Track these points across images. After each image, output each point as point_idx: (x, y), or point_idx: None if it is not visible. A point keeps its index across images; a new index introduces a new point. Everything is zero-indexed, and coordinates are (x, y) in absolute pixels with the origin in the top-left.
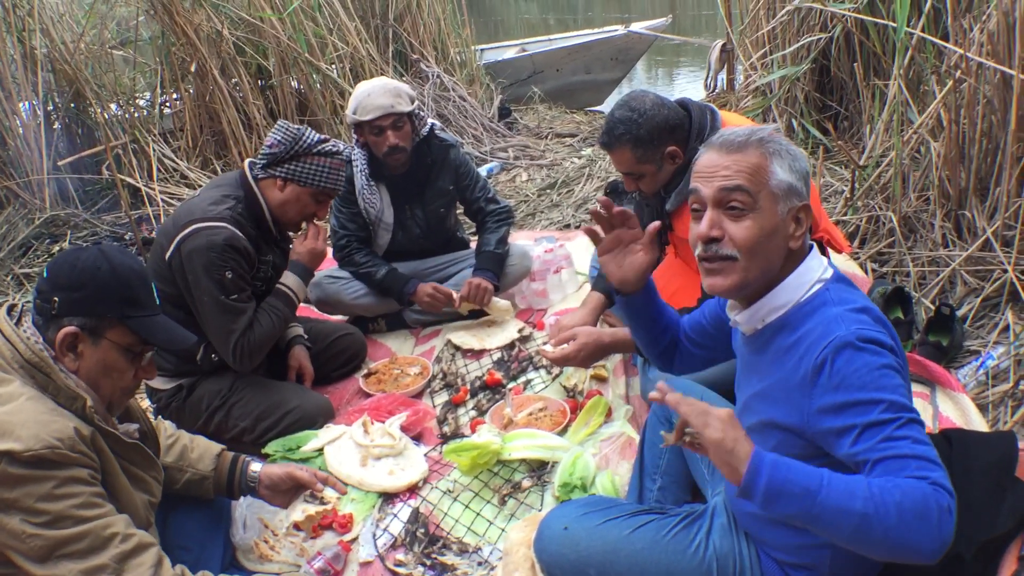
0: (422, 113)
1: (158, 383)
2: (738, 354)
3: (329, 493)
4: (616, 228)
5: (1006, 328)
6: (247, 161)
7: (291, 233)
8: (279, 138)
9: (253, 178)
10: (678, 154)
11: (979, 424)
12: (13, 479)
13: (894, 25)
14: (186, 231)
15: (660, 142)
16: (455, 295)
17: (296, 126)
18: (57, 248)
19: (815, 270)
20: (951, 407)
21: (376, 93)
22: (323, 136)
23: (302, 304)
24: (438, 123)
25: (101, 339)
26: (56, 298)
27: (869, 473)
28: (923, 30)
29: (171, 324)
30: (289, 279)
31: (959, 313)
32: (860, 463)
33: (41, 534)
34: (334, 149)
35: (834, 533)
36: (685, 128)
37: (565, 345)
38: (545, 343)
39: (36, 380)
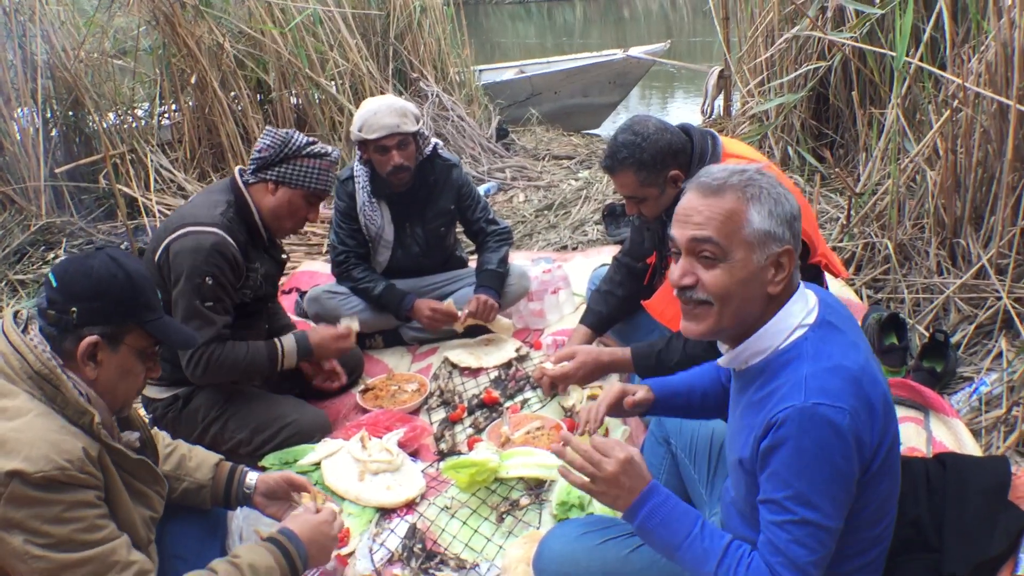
0: (426, 132)
1: (153, 392)
2: (730, 385)
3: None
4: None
5: (999, 355)
6: (237, 168)
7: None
8: (268, 142)
9: (244, 183)
10: (680, 178)
11: (972, 449)
12: (21, 500)
13: (893, 54)
14: (176, 233)
15: (663, 166)
16: (459, 311)
17: (284, 130)
18: (52, 256)
19: (797, 314)
20: (944, 432)
21: (383, 112)
22: (311, 139)
23: (299, 319)
24: (440, 143)
25: (120, 345)
26: (74, 308)
27: (759, 532)
28: (921, 59)
29: (177, 324)
30: (287, 341)
31: (953, 340)
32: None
33: (45, 556)
34: (323, 151)
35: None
36: (687, 152)
37: (565, 363)
38: (543, 361)
39: (44, 392)
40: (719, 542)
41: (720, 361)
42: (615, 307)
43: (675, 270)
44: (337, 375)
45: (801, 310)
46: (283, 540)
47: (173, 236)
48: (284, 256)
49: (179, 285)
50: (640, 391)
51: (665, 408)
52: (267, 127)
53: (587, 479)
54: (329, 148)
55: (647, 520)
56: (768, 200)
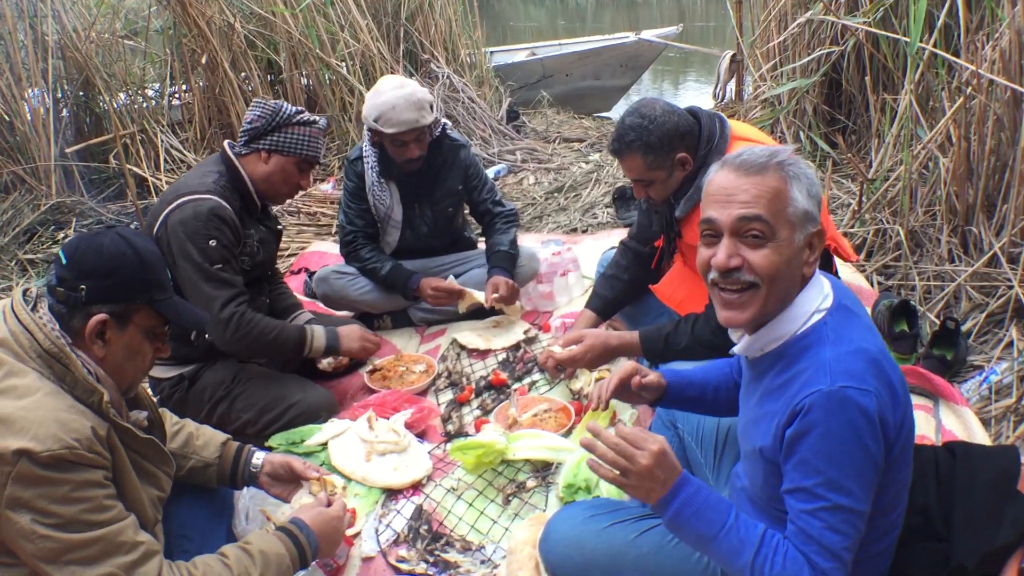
0: (438, 117)
1: (159, 372)
2: (743, 374)
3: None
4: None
5: (1010, 344)
6: (226, 142)
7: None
8: (259, 113)
9: (235, 155)
10: (688, 161)
11: (982, 437)
12: (29, 479)
13: (907, 40)
14: (172, 205)
15: (671, 149)
16: (472, 291)
17: (273, 101)
18: (62, 235)
19: (815, 299)
20: (954, 420)
21: (401, 107)
22: (299, 108)
23: (307, 300)
24: (449, 123)
25: (128, 324)
26: (83, 286)
27: (789, 523)
28: (935, 46)
29: (187, 304)
30: (317, 330)
31: (963, 328)
32: (787, 509)
33: (52, 536)
34: (312, 119)
35: (721, 567)
36: (695, 135)
37: (572, 347)
38: (551, 344)
39: (54, 370)
40: (754, 532)
41: (735, 349)
42: (620, 292)
43: (720, 253)
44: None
45: (818, 295)
46: (294, 530)
47: (170, 208)
48: (280, 227)
49: (185, 254)
50: (652, 374)
51: (676, 398)
52: (255, 99)
53: (618, 472)
54: (317, 116)
55: (681, 511)
56: (805, 180)
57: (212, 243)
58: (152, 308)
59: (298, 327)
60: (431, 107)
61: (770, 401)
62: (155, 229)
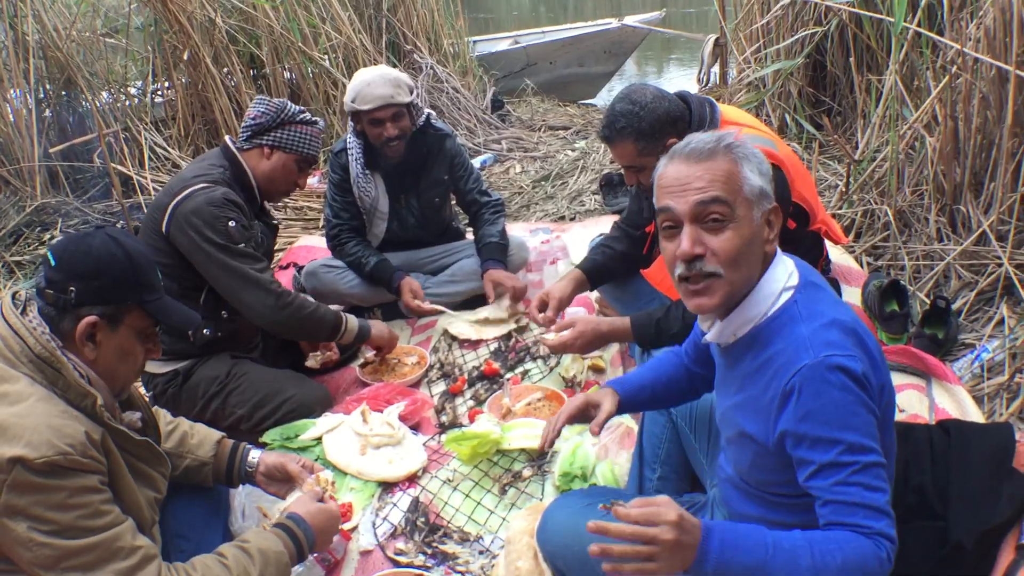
0: (419, 103)
1: (153, 367)
2: (716, 362)
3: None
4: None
5: (1000, 322)
6: (227, 137)
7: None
8: (263, 109)
9: (237, 150)
10: None
11: (975, 415)
12: (24, 486)
13: (891, 20)
14: (181, 195)
15: (662, 135)
16: (428, 305)
17: (278, 99)
18: (48, 236)
19: (780, 278)
20: (947, 399)
21: (376, 83)
22: (301, 107)
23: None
24: (433, 113)
25: (119, 325)
26: (73, 287)
27: (822, 507)
28: (919, 25)
29: (177, 304)
30: (352, 318)
31: (954, 306)
32: (815, 496)
33: (49, 543)
34: (313, 119)
35: None
36: (686, 120)
37: (564, 333)
38: (544, 333)
39: (45, 375)
40: (795, 537)
41: (707, 338)
42: (611, 258)
43: (684, 241)
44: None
45: (783, 273)
46: (291, 525)
47: (178, 200)
48: (276, 223)
49: (207, 239)
50: (605, 402)
51: (632, 405)
52: (258, 96)
53: (645, 561)
54: (317, 118)
55: (722, 558)
56: (754, 159)
57: (232, 224)
58: (143, 309)
59: (336, 313)
60: (410, 90)
61: (750, 385)
62: (164, 224)
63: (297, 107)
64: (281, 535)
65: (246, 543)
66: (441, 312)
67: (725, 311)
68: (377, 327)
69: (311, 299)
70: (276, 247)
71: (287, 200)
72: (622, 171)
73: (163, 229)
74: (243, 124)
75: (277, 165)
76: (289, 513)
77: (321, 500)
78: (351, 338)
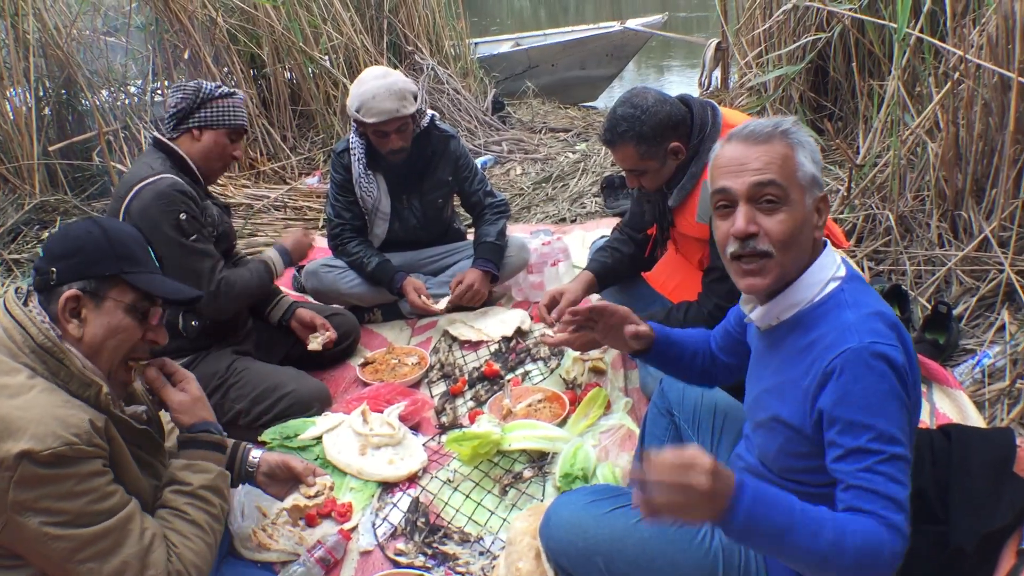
0: (423, 107)
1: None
2: (752, 347)
3: (324, 480)
4: (598, 322)
5: (1002, 327)
6: (153, 134)
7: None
8: (181, 96)
9: (169, 140)
10: (681, 150)
11: (976, 420)
12: (32, 480)
13: (894, 26)
14: (129, 195)
15: (663, 138)
16: (434, 305)
17: (191, 81)
18: (47, 234)
19: (829, 267)
20: (948, 404)
21: (381, 96)
22: (217, 83)
23: (298, 294)
24: (437, 115)
25: (104, 300)
26: (54, 268)
27: (843, 491)
28: (921, 31)
29: (172, 280)
30: (270, 252)
31: (955, 312)
32: (838, 479)
33: (64, 535)
34: (231, 91)
35: (795, 564)
36: (687, 124)
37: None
38: (544, 331)
39: (48, 365)
40: (822, 510)
41: (752, 317)
42: (619, 261)
43: (739, 219)
44: (326, 329)
45: (832, 263)
46: (205, 438)
47: (127, 201)
48: (226, 205)
49: (157, 234)
50: (643, 326)
51: (659, 352)
52: (172, 85)
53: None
54: (234, 89)
55: (753, 509)
56: (809, 147)
57: (182, 216)
58: (126, 282)
59: (257, 261)
60: (414, 97)
61: (789, 367)
62: None
63: (213, 84)
64: (208, 455)
65: (187, 486)
66: (443, 312)
67: (769, 294)
68: (289, 241)
69: (245, 272)
70: None
71: (287, 200)
72: (623, 174)
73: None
74: (167, 115)
75: (209, 143)
76: (192, 425)
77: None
78: (282, 268)
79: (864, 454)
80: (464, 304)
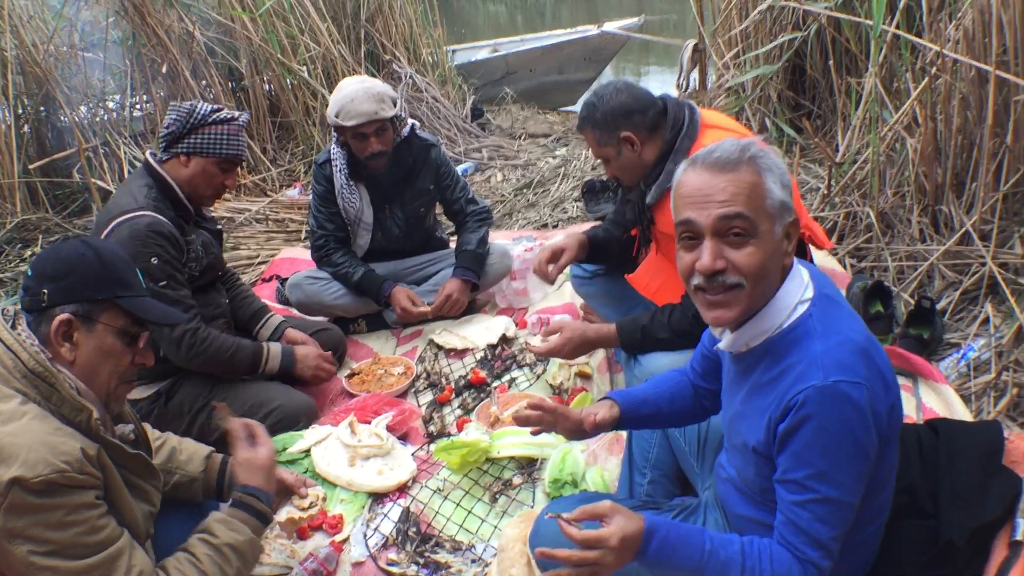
0: (403, 114)
1: (135, 392)
2: (724, 369)
3: (316, 491)
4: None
5: (986, 320)
6: (148, 152)
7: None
8: (174, 116)
9: (158, 162)
10: (633, 140)
11: (963, 414)
12: (22, 508)
13: (869, 23)
14: (108, 228)
15: (614, 126)
16: (427, 308)
17: (188, 102)
18: (29, 253)
19: (796, 291)
20: (934, 398)
21: (360, 98)
22: (216, 106)
23: (281, 307)
24: (418, 123)
25: (95, 324)
26: (45, 290)
27: (777, 516)
28: (897, 27)
29: (160, 303)
30: (274, 347)
31: (938, 306)
32: (777, 500)
33: (50, 566)
34: (229, 116)
35: None
36: (648, 114)
37: (551, 339)
38: (530, 336)
39: (40, 391)
40: (733, 547)
41: (720, 345)
42: (610, 239)
43: (705, 256)
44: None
45: (799, 286)
46: (251, 502)
47: (106, 232)
48: (219, 227)
49: None
50: (602, 409)
51: (632, 419)
52: (171, 103)
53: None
54: (236, 113)
55: (658, 555)
56: (776, 170)
57: (154, 260)
58: (118, 306)
59: (255, 345)
60: (393, 102)
61: (759, 397)
62: None
63: (210, 107)
64: (247, 519)
65: (214, 538)
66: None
67: (738, 323)
68: (301, 362)
69: (230, 340)
70: (258, 259)
71: (268, 212)
72: (604, 178)
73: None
74: (160, 135)
75: (196, 171)
76: (244, 487)
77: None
78: (275, 368)
79: (800, 488)
80: (444, 314)
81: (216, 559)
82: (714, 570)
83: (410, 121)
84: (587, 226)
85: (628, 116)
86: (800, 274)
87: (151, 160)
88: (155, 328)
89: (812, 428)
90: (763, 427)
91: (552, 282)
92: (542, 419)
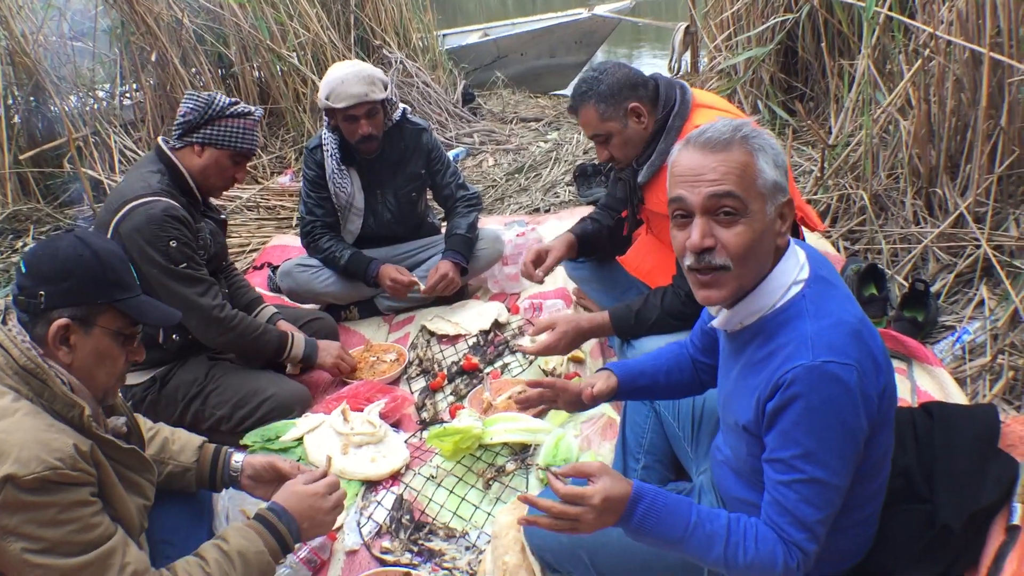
0: (394, 98)
1: (130, 379)
2: (720, 346)
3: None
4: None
5: (981, 303)
6: (160, 138)
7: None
8: (192, 106)
9: (170, 149)
10: (641, 111)
11: (958, 397)
12: (15, 505)
13: (862, 4)
14: (121, 213)
15: (622, 97)
16: (419, 282)
17: (206, 92)
18: (21, 244)
19: (791, 271)
20: (929, 381)
21: (350, 81)
22: (234, 99)
23: (272, 294)
24: (409, 108)
25: (93, 327)
26: (42, 292)
27: (765, 495)
28: (890, 9)
29: (155, 302)
30: (299, 337)
31: (933, 289)
32: (764, 480)
33: (43, 564)
34: (246, 110)
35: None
36: (649, 88)
37: (544, 335)
38: (520, 335)
39: (31, 387)
40: (719, 522)
41: (714, 323)
42: (599, 231)
43: (694, 233)
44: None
45: (794, 266)
46: (272, 518)
47: (119, 217)
48: (223, 217)
49: (148, 259)
50: (600, 380)
51: (631, 390)
52: (188, 92)
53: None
54: (252, 107)
55: (642, 524)
56: (770, 150)
57: (173, 244)
58: (116, 309)
59: (281, 332)
60: (384, 86)
61: (751, 375)
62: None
63: (228, 99)
64: (262, 532)
65: (225, 544)
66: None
67: (732, 301)
68: (324, 351)
69: (256, 322)
70: (249, 247)
71: (260, 200)
72: (596, 161)
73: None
74: (175, 122)
75: (210, 162)
76: (271, 504)
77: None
78: (295, 361)
79: (786, 467)
80: (439, 293)
81: (223, 563)
82: (698, 543)
83: (401, 106)
84: (580, 211)
85: (634, 88)
86: (796, 254)
87: (163, 147)
88: (182, 309)
89: (799, 407)
90: (752, 406)
91: (541, 283)
92: (543, 396)
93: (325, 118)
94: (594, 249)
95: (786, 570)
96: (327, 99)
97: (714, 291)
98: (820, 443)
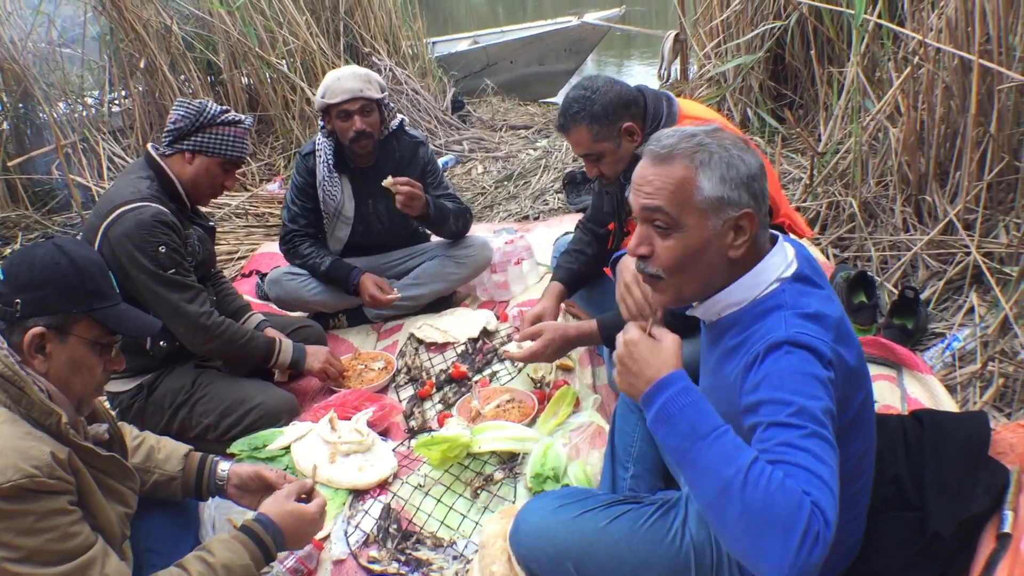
0: (392, 106)
1: (117, 386)
2: (700, 338)
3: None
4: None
5: (971, 310)
6: (149, 144)
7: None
8: (182, 113)
9: (159, 156)
10: (635, 130)
11: (948, 405)
12: None
13: (851, 12)
14: (110, 218)
15: (615, 117)
16: (397, 295)
17: (197, 100)
18: (8, 251)
19: (775, 268)
20: (919, 389)
21: (346, 77)
22: (225, 107)
23: (261, 302)
24: (407, 119)
25: (68, 336)
26: (18, 300)
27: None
28: (879, 16)
29: (135, 312)
30: (286, 342)
31: (923, 296)
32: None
33: (20, 572)
34: (236, 118)
35: (698, 490)
36: (640, 105)
37: (530, 342)
38: (508, 342)
39: (9, 395)
40: (744, 448)
41: (691, 311)
42: (585, 264)
43: (633, 237)
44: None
45: (780, 263)
46: (258, 530)
47: (108, 222)
48: (211, 224)
49: (137, 265)
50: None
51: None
52: (178, 99)
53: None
54: (242, 116)
55: (665, 408)
56: (719, 165)
57: (162, 249)
58: (92, 318)
59: (268, 338)
60: (381, 87)
61: (726, 364)
62: (96, 246)
63: (219, 107)
64: (247, 542)
65: (211, 556)
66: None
67: (702, 297)
68: (312, 356)
69: (243, 329)
70: (238, 255)
71: (248, 207)
72: (584, 168)
73: (96, 251)
74: (165, 129)
75: (200, 170)
76: (258, 515)
77: (307, 497)
78: (283, 367)
79: (784, 427)
80: (398, 206)
81: (206, 574)
82: (722, 447)
83: (399, 116)
84: (570, 218)
85: (627, 106)
86: (785, 252)
87: (153, 153)
88: (169, 315)
89: (776, 371)
90: (730, 399)
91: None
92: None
93: (321, 123)
94: (584, 284)
95: (807, 533)
96: (323, 96)
97: (657, 295)
98: (808, 398)
